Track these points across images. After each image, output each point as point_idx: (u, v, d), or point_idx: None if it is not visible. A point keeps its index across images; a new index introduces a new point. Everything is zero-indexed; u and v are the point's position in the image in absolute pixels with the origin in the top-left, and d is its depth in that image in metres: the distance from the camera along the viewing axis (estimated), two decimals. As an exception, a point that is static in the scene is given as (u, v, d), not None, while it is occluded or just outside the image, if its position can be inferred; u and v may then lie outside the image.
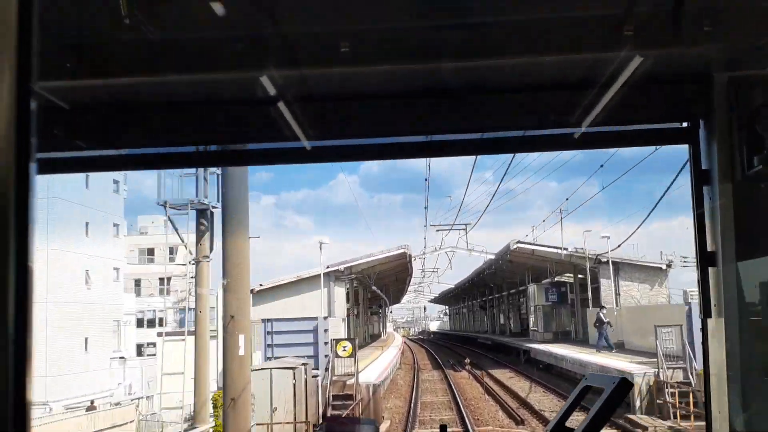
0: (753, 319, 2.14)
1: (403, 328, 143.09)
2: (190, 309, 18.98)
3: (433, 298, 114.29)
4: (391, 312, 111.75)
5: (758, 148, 2.02)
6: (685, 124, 2.37)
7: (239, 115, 2.47)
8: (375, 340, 51.52)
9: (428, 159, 14.52)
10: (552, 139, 2.69)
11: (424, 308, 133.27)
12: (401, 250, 34.33)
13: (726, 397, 2.10)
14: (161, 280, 45.31)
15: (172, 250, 46.34)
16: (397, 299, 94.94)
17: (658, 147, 12.93)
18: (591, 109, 2.27)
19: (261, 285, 27.07)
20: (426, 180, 36.06)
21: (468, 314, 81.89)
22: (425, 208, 35.50)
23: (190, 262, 16.38)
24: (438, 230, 39.58)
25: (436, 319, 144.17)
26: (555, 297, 36.15)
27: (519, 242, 34.07)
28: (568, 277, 38.18)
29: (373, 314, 66.58)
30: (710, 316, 2.16)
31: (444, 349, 57.07)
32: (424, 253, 44.66)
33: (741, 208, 2.11)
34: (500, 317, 57.13)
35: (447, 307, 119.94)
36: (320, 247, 26.59)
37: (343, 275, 30.40)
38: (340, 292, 30.14)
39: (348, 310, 34.86)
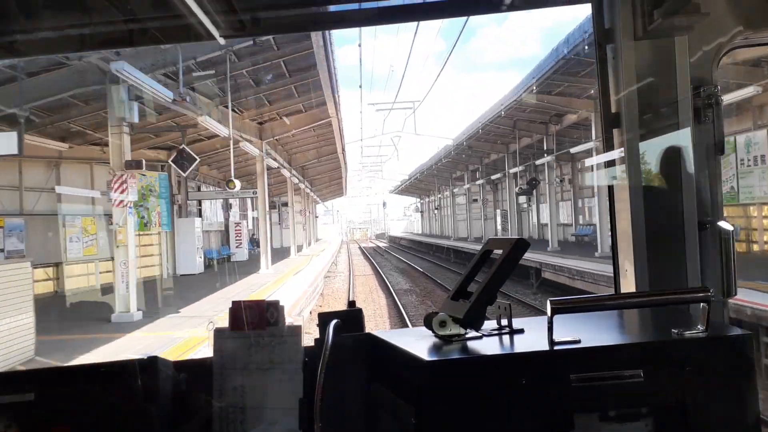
0: (655, 179, 2.16)
1: (360, 229, 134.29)
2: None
3: (397, 186, 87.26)
4: (324, 207, 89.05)
5: (658, 1, 2.04)
6: None
7: None
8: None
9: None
10: (456, 3, 2.71)
11: (383, 204, 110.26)
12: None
13: (631, 255, 2.17)
14: None
15: None
16: (336, 189, 66.92)
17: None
18: None
19: None
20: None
21: (483, 207, 47.65)
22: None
23: None
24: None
25: (401, 218, 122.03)
26: None
27: None
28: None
29: (273, 209, 44.27)
30: (616, 179, 2.25)
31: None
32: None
33: (642, 65, 2.15)
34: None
35: (419, 200, 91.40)
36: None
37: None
38: None
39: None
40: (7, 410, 1.70)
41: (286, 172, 34.96)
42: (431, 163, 52.58)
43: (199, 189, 31.40)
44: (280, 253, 38.15)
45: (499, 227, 41.52)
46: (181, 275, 25.94)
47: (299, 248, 43.70)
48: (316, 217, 79.21)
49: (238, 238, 36.43)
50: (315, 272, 27.22)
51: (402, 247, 69.70)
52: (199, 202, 31.79)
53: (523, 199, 36.90)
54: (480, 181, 44.45)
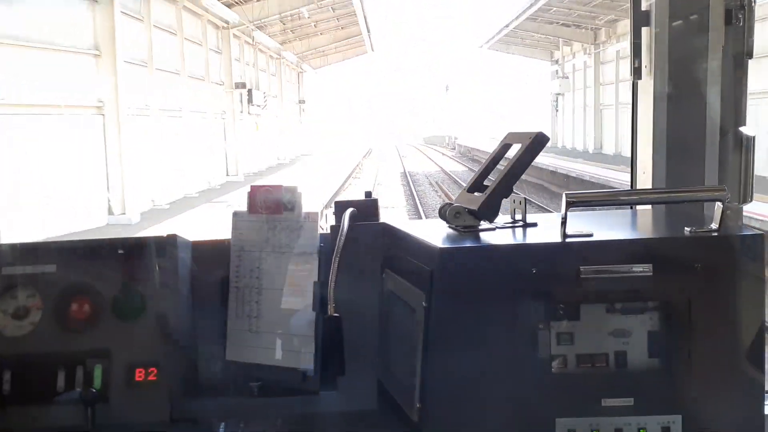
0: (680, 81, 2.14)
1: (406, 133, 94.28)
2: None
3: (502, 27, 40.92)
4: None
5: None
6: None
7: None
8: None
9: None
10: None
11: (446, 87, 70.62)
12: None
13: (650, 155, 2.16)
14: None
15: None
16: (353, 42, 42.01)
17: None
18: None
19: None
20: None
21: None
22: None
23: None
24: None
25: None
26: None
27: None
28: None
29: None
30: (640, 78, 2.23)
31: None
32: None
33: None
34: None
35: (557, 65, 43.44)
36: None
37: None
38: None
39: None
40: (31, 280, 1.80)
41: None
42: None
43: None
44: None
45: None
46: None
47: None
48: (301, 102, 50.60)
49: None
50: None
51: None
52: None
53: None
54: None
